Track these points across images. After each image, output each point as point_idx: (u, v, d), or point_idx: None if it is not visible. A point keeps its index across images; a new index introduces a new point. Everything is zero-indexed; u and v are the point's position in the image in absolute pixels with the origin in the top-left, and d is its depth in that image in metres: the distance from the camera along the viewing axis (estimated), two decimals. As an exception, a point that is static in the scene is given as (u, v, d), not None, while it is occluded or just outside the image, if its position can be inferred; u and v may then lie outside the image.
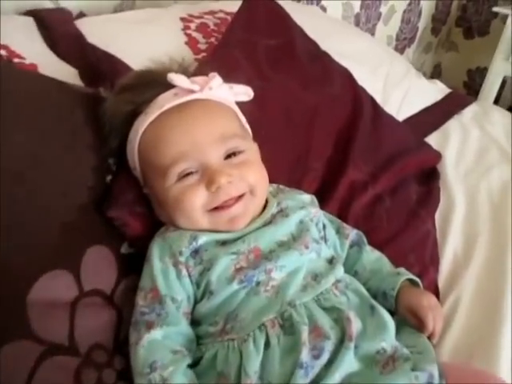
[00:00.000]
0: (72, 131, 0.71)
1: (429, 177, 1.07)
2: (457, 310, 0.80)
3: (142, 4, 1.22)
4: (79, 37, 0.93)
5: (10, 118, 0.65)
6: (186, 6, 1.21)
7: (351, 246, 0.78)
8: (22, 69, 0.80)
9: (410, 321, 0.69)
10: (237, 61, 0.95)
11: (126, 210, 0.70)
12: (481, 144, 1.20)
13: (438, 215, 0.98)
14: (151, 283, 0.64)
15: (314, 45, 1.13)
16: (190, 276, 0.64)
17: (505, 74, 2.09)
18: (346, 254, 0.77)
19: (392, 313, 0.68)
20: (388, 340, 0.62)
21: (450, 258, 0.90)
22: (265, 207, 0.72)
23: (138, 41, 0.98)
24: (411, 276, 0.73)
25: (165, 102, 0.68)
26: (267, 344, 0.59)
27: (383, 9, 2.09)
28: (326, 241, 0.76)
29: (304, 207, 0.74)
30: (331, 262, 0.70)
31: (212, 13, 1.17)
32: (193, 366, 0.61)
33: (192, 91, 0.68)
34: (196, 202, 0.65)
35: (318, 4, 1.76)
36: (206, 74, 0.72)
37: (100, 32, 0.97)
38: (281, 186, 0.81)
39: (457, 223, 0.97)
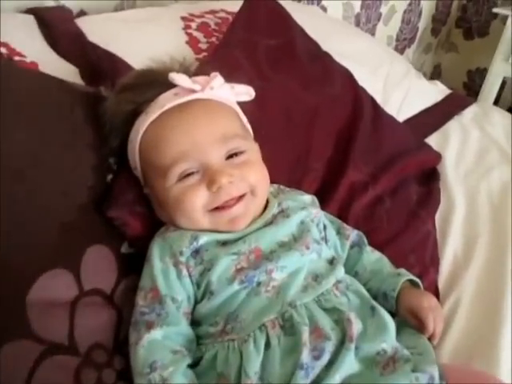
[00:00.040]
0: (72, 130, 0.71)
1: (429, 178, 1.06)
2: (457, 311, 0.80)
3: (143, 3, 1.22)
4: (80, 35, 0.93)
5: (10, 116, 0.65)
6: (187, 6, 1.21)
7: (352, 247, 0.78)
8: (22, 67, 0.79)
9: (410, 322, 0.69)
10: (237, 61, 0.95)
11: (126, 209, 0.70)
12: (481, 145, 1.20)
13: (438, 216, 0.98)
14: (151, 283, 0.64)
15: (314, 45, 1.13)
16: (190, 276, 0.64)
17: (505, 74, 2.09)
18: (347, 254, 0.77)
19: (392, 314, 0.68)
20: (388, 341, 0.62)
21: (450, 258, 0.90)
22: (266, 207, 0.72)
23: (138, 40, 0.98)
24: (412, 277, 0.73)
25: (166, 101, 0.68)
26: (268, 344, 0.59)
27: (383, 9, 2.09)
28: (326, 241, 0.76)
29: (305, 208, 0.74)
30: (332, 262, 0.70)
31: (213, 12, 1.17)
32: (193, 366, 0.61)
33: (193, 91, 0.68)
34: (197, 202, 0.65)
35: (318, 4, 1.75)
36: (206, 73, 0.71)
37: (101, 31, 0.97)
38: (281, 187, 0.81)
39: (457, 224, 0.96)
